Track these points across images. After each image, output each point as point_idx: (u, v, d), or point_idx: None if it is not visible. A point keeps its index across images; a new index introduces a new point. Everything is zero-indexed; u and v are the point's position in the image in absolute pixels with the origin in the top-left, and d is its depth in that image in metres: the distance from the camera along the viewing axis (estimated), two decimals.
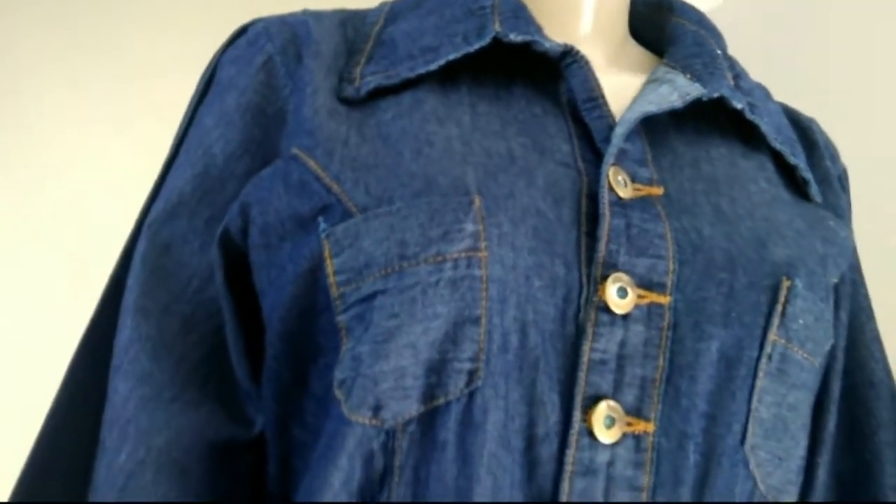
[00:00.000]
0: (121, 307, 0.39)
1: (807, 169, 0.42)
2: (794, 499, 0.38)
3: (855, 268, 0.48)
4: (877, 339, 0.48)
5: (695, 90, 0.38)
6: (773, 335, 0.34)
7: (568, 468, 0.31)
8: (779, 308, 0.34)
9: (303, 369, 0.35)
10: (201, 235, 0.39)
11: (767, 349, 0.34)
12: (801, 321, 0.35)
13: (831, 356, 0.44)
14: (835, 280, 0.41)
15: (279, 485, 0.38)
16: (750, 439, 0.34)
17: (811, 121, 0.48)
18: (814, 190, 0.42)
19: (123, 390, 0.37)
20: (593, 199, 0.35)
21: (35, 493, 0.39)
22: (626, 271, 0.33)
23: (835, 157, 0.47)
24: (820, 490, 0.44)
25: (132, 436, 0.36)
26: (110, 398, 0.38)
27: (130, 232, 0.42)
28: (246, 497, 0.39)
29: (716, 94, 0.38)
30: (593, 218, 0.34)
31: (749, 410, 0.34)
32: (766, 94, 0.45)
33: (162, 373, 0.37)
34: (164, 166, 0.42)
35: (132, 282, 0.39)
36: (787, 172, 0.42)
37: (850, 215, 0.48)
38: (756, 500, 0.35)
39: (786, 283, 0.35)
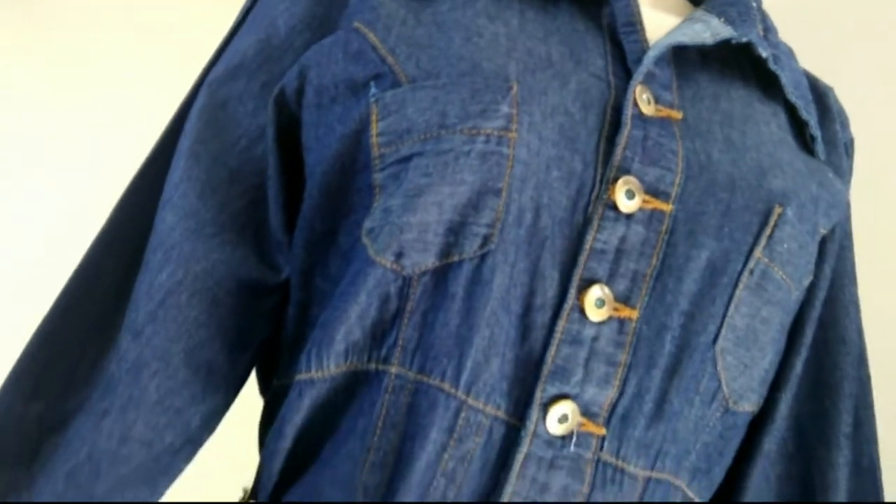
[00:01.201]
0: (175, 151, 0.43)
1: (816, 127, 0.45)
2: (752, 409, 0.42)
3: (846, 233, 0.51)
4: (855, 303, 0.52)
5: (726, 31, 0.41)
6: (758, 253, 0.38)
7: (557, 336, 0.35)
8: (767, 230, 0.38)
9: (334, 223, 0.39)
10: (255, 99, 0.42)
11: (751, 264, 0.38)
12: (785, 245, 0.39)
13: (808, 303, 0.48)
14: (824, 230, 0.45)
15: (296, 327, 0.42)
16: (721, 342, 0.38)
17: (829, 88, 0.51)
18: (820, 147, 0.45)
19: (171, 220, 0.41)
20: (618, 111, 0.38)
21: (74, 306, 0.44)
22: (637, 177, 0.37)
23: (845, 124, 0.50)
24: (779, 425, 0.48)
25: (174, 259, 0.40)
26: (157, 227, 0.42)
27: (190, 89, 0.46)
28: (265, 334, 0.44)
29: (744, 39, 0.42)
30: (615, 127, 0.38)
31: (725, 316, 0.37)
32: (791, 53, 0.48)
33: (206, 211, 0.41)
34: (229, 32, 0.46)
35: (188, 130, 0.43)
36: (798, 126, 0.45)
37: (850, 182, 0.51)
38: (718, 400, 0.39)
39: (777, 210, 0.38)
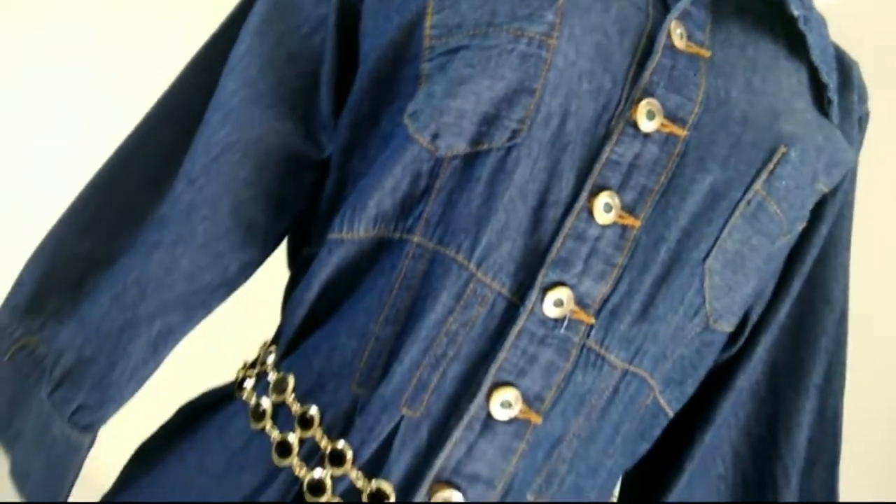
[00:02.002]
0: (243, 27, 0.47)
1: (835, 92, 0.48)
2: (728, 329, 0.46)
3: (848, 202, 0.54)
4: (844, 266, 0.55)
5: None
6: (757, 185, 0.41)
7: (564, 230, 0.39)
8: (770, 166, 0.42)
9: (379, 108, 0.43)
10: None
11: (749, 195, 0.41)
12: (783, 183, 0.42)
13: (800, 258, 0.51)
14: (824, 186, 0.48)
15: (331, 202, 0.46)
16: (711, 261, 0.41)
17: (854, 63, 0.54)
18: (835, 111, 0.48)
19: (232, 87, 0.45)
20: (651, 40, 0.41)
21: (133, 156, 0.48)
22: (660, 101, 0.40)
23: (863, 98, 0.53)
24: (755, 367, 0.52)
25: (231, 122, 0.45)
26: (219, 91, 0.46)
27: None
28: (301, 206, 0.48)
29: None
30: (646, 54, 0.41)
31: (718, 238, 0.41)
32: (823, 22, 0.51)
33: (265, 84, 0.46)
34: None
35: (257, 10, 0.47)
36: (817, 88, 0.48)
37: (858, 153, 0.54)
38: (700, 315, 0.43)
39: (782, 150, 0.42)
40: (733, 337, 0.51)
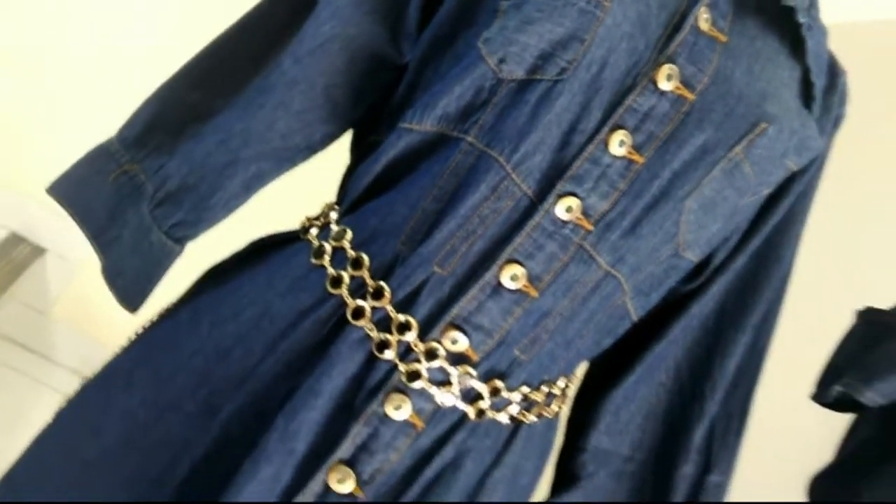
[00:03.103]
0: None
1: (820, 91, 0.59)
2: (693, 259, 0.58)
3: (813, 185, 0.66)
4: (798, 237, 0.67)
5: None
6: (738, 149, 0.53)
7: (585, 154, 0.51)
8: (751, 136, 0.53)
9: (457, 30, 0.54)
10: None
11: (730, 155, 0.53)
12: (759, 151, 0.53)
13: (763, 220, 0.63)
14: (794, 165, 0.59)
15: (401, 101, 0.57)
16: (689, 201, 0.53)
17: (844, 71, 0.64)
18: (816, 107, 0.59)
19: None
20: (683, 19, 0.52)
21: (249, 29, 0.58)
22: (679, 68, 0.51)
23: (843, 101, 0.64)
24: (708, 301, 0.65)
25: (338, 17, 0.55)
26: None
27: None
28: (375, 98, 0.59)
29: (791, 3, 0.55)
30: (676, 29, 0.52)
31: (699, 184, 0.53)
32: (824, 31, 0.61)
33: None
34: None
35: None
36: (807, 86, 0.59)
37: (829, 148, 0.65)
38: (673, 242, 0.55)
39: (763, 125, 0.53)
40: (696, 272, 0.63)
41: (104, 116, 0.66)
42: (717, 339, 0.66)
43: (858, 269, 0.94)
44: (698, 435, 0.65)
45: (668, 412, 0.67)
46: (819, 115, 0.61)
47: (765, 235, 0.64)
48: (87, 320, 1.61)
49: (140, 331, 0.57)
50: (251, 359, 0.52)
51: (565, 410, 0.66)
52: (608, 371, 0.67)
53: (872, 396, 0.65)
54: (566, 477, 0.67)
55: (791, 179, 0.62)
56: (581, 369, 0.69)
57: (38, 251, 1.56)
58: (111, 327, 0.58)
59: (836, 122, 0.64)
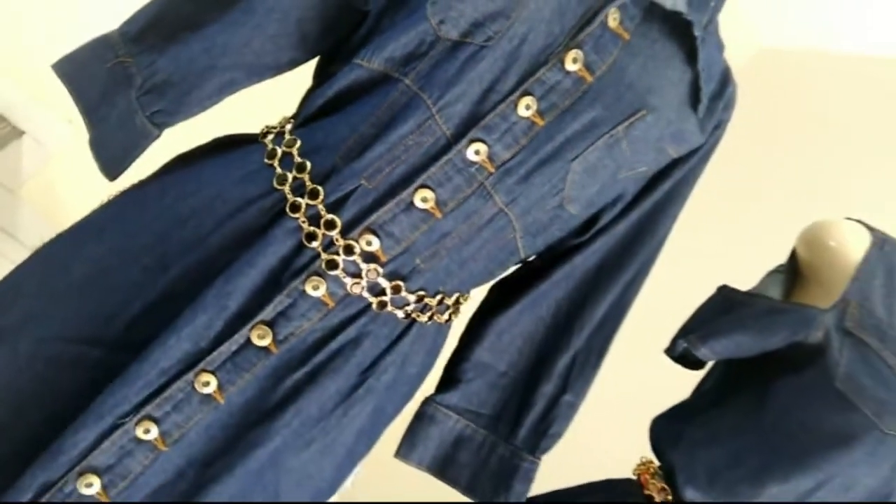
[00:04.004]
0: None
1: (706, 96, 0.72)
2: (575, 213, 0.70)
3: (694, 174, 0.79)
4: (674, 217, 0.81)
5: (682, 6, 0.67)
6: (620, 128, 0.65)
7: (497, 111, 0.63)
8: (631, 119, 0.66)
9: None
10: None
11: (613, 131, 0.65)
12: (636, 133, 0.66)
13: (644, 197, 0.76)
14: (673, 151, 0.72)
15: (359, 43, 0.68)
16: (575, 163, 0.66)
17: (735, 84, 0.77)
18: (701, 109, 0.72)
19: None
20: (595, 15, 0.64)
21: None
22: (583, 52, 0.63)
23: (728, 107, 0.77)
24: (590, 255, 0.78)
25: None
26: None
27: None
28: (338, 35, 0.69)
29: (688, 18, 0.67)
30: (588, 22, 0.64)
31: (585, 151, 0.65)
32: (720, 47, 0.74)
33: None
34: None
35: None
36: (695, 89, 0.71)
37: (711, 146, 0.78)
38: (558, 195, 0.67)
39: (643, 112, 0.66)
40: (583, 230, 0.76)
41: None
42: (593, 289, 0.80)
43: (733, 256, 1.08)
44: (562, 362, 0.79)
45: (543, 342, 0.81)
46: (703, 116, 0.74)
47: (646, 209, 0.78)
48: (53, 206, 1.70)
49: (113, 196, 0.69)
50: (202, 230, 0.64)
51: (459, 324, 0.79)
52: (499, 302, 0.81)
53: (705, 352, 0.80)
54: (450, 380, 0.81)
55: (673, 166, 0.75)
56: (480, 295, 0.82)
57: (17, 132, 1.64)
58: (75, 216, 0.69)
59: (720, 125, 0.78)
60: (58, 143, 1.67)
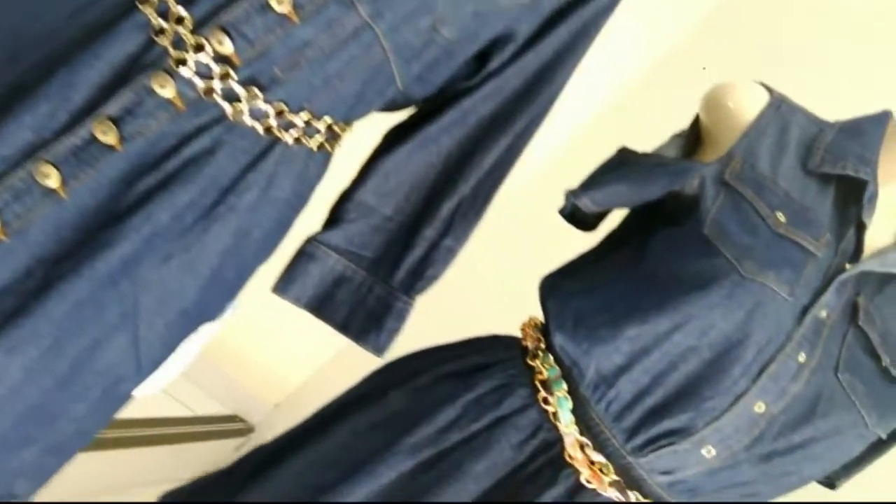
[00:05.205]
0: None
1: None
2: (448, 38, 0.68)
3: (596, 25, 0.76)
4: (572, 69, 0.79)
5: None
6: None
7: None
8: None
9: None
10: None
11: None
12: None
13: (540, 41, 0.74)
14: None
15: None
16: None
17: None
18: None
19: None
20: None
21: None
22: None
23: None
24: (482, 105, 0.77)
25: None
26: None
27: None
28: None
29: None
30: None
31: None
32: None
33: None
34: None
35: None
36: None
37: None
38: (429, 16, 0.65)
39: None
40: (473, 73, 0.74)
41: None
42: (485, 136, 0.79)
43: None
44: (447, 207, 0.79)
45: (431, 188, 0.80)
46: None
47: (543, 57, 0.76)
48: None
49: None
50: (56, 23, 0.61)
51: (339, 157, 0.78)
52: (389, 145, 0.79)
53: (586, 202, 0.79)
54: (332, 219, 0.81)
55: (572, 10, 0.73)
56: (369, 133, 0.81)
57: None
58: None
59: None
60: None
